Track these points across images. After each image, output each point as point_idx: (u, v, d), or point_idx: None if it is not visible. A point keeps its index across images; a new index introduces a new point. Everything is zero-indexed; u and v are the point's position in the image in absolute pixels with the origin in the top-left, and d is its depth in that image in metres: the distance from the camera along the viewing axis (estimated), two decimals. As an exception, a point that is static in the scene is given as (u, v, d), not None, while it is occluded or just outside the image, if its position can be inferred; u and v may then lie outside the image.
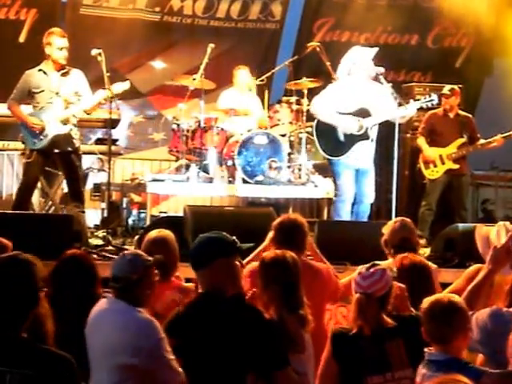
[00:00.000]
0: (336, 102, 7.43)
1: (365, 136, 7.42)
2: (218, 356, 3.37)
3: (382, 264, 3.78)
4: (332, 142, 7.46)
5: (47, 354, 2.73)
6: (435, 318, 3.34)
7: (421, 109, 7.68)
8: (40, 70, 7.12)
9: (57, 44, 7.06)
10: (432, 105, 7.59)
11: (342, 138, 7.42)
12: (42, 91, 7.08)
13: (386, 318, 3.56)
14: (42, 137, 7.05)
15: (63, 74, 7.13)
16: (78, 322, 3.98)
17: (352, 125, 7.38)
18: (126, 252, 3.84)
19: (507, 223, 4.70)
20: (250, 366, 3.38)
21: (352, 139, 7.41)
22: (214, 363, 3.37)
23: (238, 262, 3.53)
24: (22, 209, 7.07)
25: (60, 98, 7.09)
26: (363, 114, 7.41)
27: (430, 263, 4.88)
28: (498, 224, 4.65)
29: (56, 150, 7.14)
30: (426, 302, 3.41)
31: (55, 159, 7.31)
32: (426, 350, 3.36)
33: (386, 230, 4.89)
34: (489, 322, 3.66)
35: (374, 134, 7.50)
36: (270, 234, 4.64)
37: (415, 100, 7.71)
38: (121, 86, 7.29)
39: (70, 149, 7.16)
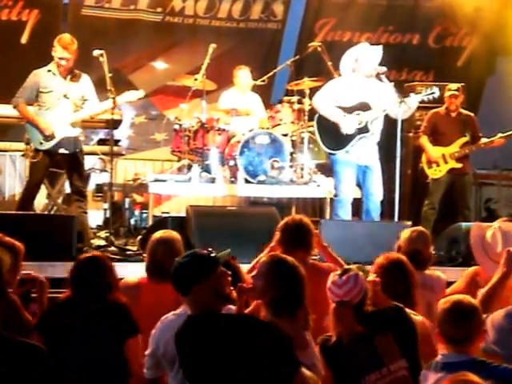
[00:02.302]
0: (336, 96, 7.49)
1: (364, 130, 7.45)
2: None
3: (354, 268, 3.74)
4: (333, 136, 7.50)
5: (16, 344, 2.68)
6: (456, 319, 3.29)
7: (422, 102, 7.57)
8: (49, 70, 7.07)
9: (58, 53, 7.00)
10: (433, 98, 7.51)
11: (342, 131, 7.45)
12: (50, 92, 7.03)
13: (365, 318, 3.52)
14: (49, 138, 7.02)
15: (72, 78, 7.09)
16: (96, 324, 4.01)
17: (350, 125, 7.40)
18: None
19: (503, 223, 4.70)
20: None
21: (352, 133, 7.45)
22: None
23: (221, 274, 3.42)
24: (26, 209, 7.05)
25: (69, 100, 7.07)
26: (363, 107, 7.44)
27: (439, 274, 4.89)
28: (494, 226, 4.66)
29: (61, 151, 7.09)
30: (445, 302, 3.37)
31: (59, 159, 7.26)
32: (439, 353, 3.31)
33: (404, 236, 4.89)
34: (504, 321, 3.65)
35: (375, 129, 7.51)
36: (276, 236, 4.60)
37: (416, 94, 7.70)
38: (135, 95, 7.30)
39: (76, 149, 7.15)
